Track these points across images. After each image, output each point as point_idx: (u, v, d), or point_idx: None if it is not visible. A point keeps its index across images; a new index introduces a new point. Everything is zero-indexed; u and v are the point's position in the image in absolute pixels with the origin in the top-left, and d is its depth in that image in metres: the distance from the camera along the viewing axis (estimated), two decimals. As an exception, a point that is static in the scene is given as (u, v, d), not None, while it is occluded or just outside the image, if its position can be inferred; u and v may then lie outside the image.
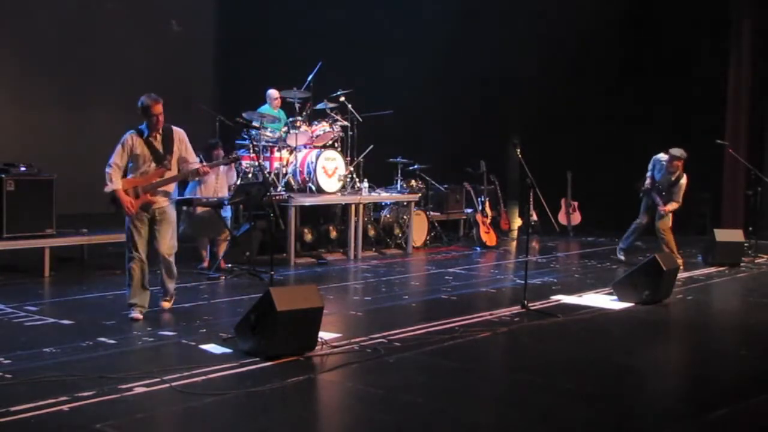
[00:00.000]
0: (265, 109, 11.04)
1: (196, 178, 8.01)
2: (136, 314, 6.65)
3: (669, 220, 10.46)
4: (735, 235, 10.70)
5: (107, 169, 6.68)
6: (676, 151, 10.19)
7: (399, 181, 11.92)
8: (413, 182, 12.19)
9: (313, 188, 10.49)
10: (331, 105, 11.06)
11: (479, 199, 12.78)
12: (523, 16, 13.99)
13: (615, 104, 14.02)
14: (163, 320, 6.70)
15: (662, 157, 10.40)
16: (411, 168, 12.24)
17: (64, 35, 12.99)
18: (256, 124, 10.20)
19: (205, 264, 9.35)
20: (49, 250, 8.74)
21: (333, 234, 10.95)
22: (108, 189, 6.65)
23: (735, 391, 5.22)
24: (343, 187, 10.92)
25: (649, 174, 10.54)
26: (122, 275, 8.74)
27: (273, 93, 11.15)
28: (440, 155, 13.10)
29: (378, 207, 11.93)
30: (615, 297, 7.94)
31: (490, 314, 7.17)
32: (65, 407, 4.48)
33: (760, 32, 13.44)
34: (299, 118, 10.87)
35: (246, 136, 10.26)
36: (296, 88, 10.91)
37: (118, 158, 6.70)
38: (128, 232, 6.78)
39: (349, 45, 13.55)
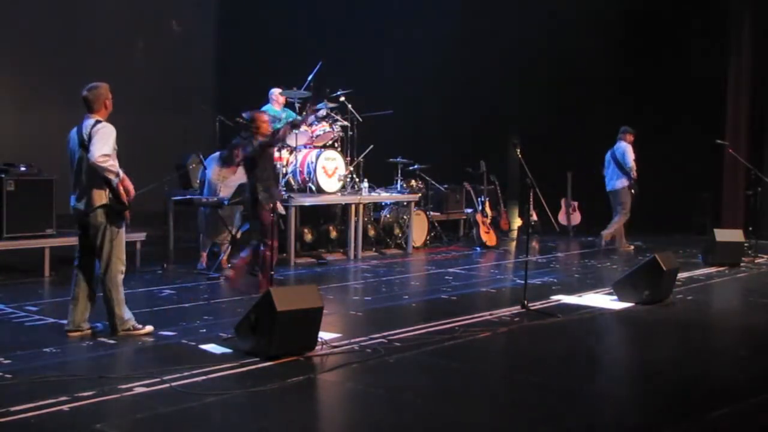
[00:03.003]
0: (267, 108, 11.01)
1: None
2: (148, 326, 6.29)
3: None
4: (735, 235, 10.70)
5: (108, 160, 5.85)
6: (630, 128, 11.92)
7: (399, 181, 11.92)
8: (413, 182, 12.18)
9: (313, 188, 10.49)
10: (331, 105, 11.06)
11: (479, 199, 12.78)
12: (523, 16, 13.98)
13: (615, 104, 14.01)
14: (163, 320, 6.69)
15: (621, 146, 11.79)
16: (411, 168, 12.23)
17: (65, 35, 12.99)
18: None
19: (203, 262, 9.38)
20: (49, 250, 8.74)
21: (333, 234, 10.95)
22: (120, 175, 5.96)
23: (735, 391, 5.22)
24: (343, 187, 10.92)
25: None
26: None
27: (276, 92, 11.13)
28: (440, 155, 13.09)
29: (378, 207, 11.93)
30: (615, 297, 7.94)
31: (490, 314, 7.17)
32: (65, 407, 4.48)
33: (760, 32, 13.43)
34: (299, 118, 10.86)
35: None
36: (296, 88, 10.90)
37: (112, 150, 5.95)
38: (122, 241, 6.15)
39: (349, 45, 13.55)
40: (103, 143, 5.89)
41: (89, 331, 6.16)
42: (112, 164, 5.92)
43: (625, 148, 11.75)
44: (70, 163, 6.21)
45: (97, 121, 6.01)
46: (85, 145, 5.98)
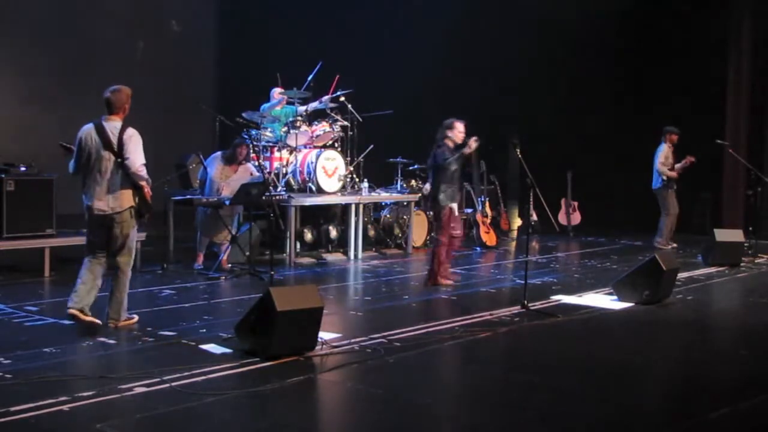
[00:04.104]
0: (266, 107, 10.99)
1: None
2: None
3: None
4: (735, 235, 10.69)
5: (145, 169, 6.24)
6: (675, 128, 12.00)
7: (399, 181, 11.92)
8: (413, 182, 12.17)
9: (313, 188, 10.49)
10: (332, 105, 11.06)
11: (479, 199, 12.78)
12: (523, 15, 13.98)
13: (615, 104, 14.02)
14: (163, 320, 6.69)
15: (661, 147, 11.88)
16: (411, 168, 12.23)
17: (65, 35, 13.00)
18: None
19: (199, 262, 9.38)
20: (49, 250, 8.74)
21: (333, 234, 10.95)
22: (150, 182, 6.36)
23: (735, 391, 5.22)
24: (343, 187, 10.92)
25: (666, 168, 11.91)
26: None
27: (276, 91, 11.13)
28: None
29: (378, 207, 11.93)
30: (615, 297, 7.94)
31: (490, 314, 7.17)
32: (65, 407, 4.48)
33: (760, 32, 13.43)
34: (299, 118, 10.87)
35: (246, 136, 10.26)
36: (296, 88, 10.90)
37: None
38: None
39: (349, 45, 13.55)
40: (140, 152, 6.22)
41: (89, 319, 6.30)
42: (146, 172, 6.27)
43: (661, 150, 11.91)
44: (79, 161, 6.35)
45: (124, 126, 6.26)
46: (113, 148, 6.20)
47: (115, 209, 6.25)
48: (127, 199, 6.26)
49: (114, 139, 6.18)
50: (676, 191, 12.02)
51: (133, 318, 6.55)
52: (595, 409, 4.83)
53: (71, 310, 6.25)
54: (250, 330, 5.57)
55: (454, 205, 8.53)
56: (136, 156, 6.19)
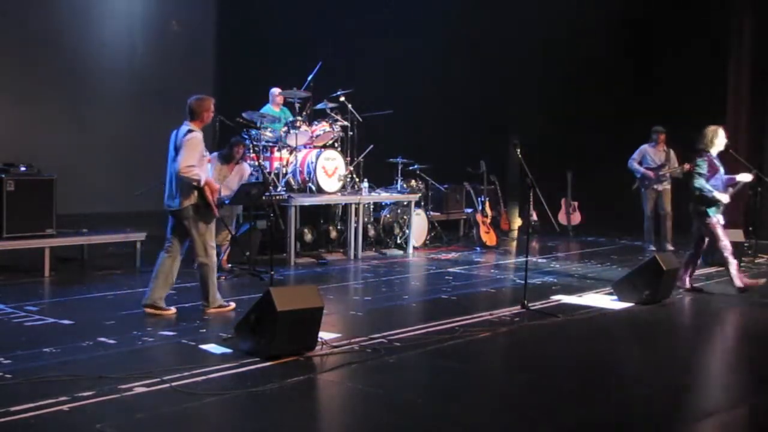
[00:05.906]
0: (266, 108, 11.01)
1: None
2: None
3: None
4: (735, 235, 10.66)
5: (192, 170, 6.54)
6: (659, 128, 11.90)
7: (399, 181, 11.92)
8: (413, 182, 12.18)
9: (313, 188, 10.49)
10: (331, 105, 11.06)
11: (479, 199, 12.78)
12: (524, 15, 13.99)
13: (615, 104, 14.01)
14: (163, 320, 6.69)
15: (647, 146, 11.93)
16: (411, 168, 12.24)
17: (65, 35, 13.01)
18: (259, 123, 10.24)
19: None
20: (49, 250, 8.74)
21: (333, 234, 10.95)
22: (202, 181, 6.64)
23: (735, 392, 5.22)
24: (343, 187, 10.92)
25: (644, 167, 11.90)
26: (122, 275, 8.80)
27: (276, 91, 11.12)
28: (440, 155, 13.10)
29: (378, 207, 11.93)
30: (615, 297, 7.94)
31: (490, 314, 7.17)
32: (65, 407, 4.48)
33: (760, 32, 13.43)
34: (299, 118, 10.87)
35: (246, 136, 10.25)
36: (296, 88, 10.90)
37: (197, 159, 6.62)
38: (212, 231, 6.92)
39: (350, 45, 13.55)
40: (189, 154, 6.57)
41: (166, 312, 6.79)
42: (196, 173, 6.58)
43: (641, 147, 11.92)
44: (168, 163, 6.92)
45: (189, 131, 6.69)
46: (176, 150, 6.71)
47: (179, 206, 6.70)
48: (186, 197, 6.65)
49: (178, 143, 6.67)
50: (663, 194, 11.87)
51: (229, 305, 6.95)
52: (595, 409, 4.83)
53: (144, 308, 6.78)
54: (250, 330, 5.57)
55: (720, 216, 8.42)
56: (183, 158, 6.55)
